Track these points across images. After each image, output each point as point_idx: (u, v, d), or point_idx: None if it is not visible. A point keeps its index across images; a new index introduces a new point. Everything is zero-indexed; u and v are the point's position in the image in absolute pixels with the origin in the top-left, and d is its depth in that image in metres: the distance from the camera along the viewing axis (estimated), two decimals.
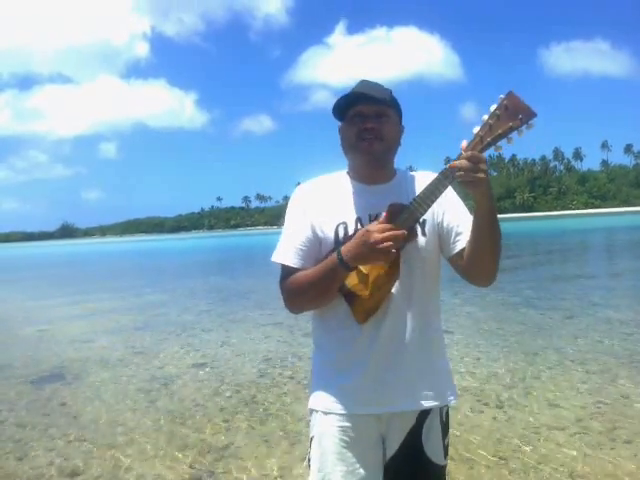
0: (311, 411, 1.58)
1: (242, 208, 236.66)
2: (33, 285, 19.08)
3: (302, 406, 4.24)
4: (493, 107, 1.30)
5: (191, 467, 3.35)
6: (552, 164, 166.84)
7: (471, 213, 1.45)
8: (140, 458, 3.51)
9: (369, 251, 1.32)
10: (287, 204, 1.61)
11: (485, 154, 1.30)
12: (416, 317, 1.50)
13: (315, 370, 1.62)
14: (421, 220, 1.45)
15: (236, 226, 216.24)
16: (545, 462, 3.16)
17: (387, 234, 1.32)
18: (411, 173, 1.60)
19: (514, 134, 1.30)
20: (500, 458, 3.25)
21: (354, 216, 1.51)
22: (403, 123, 1.57)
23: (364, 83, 1.53)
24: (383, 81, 1.55)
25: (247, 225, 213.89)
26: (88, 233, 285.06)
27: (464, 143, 1.31)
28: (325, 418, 1.53)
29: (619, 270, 13.59)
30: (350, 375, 1.50)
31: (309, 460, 1.56)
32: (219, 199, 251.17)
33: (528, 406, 4.11)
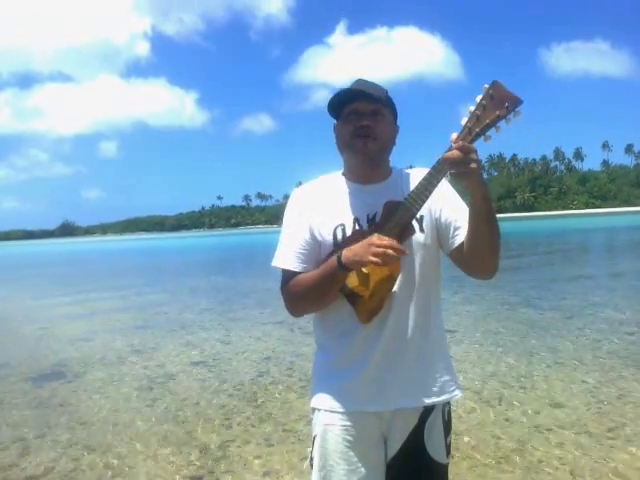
0: (313, 410, 1.59)
1: (242, 207, 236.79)
2: (33, 283, 19.07)
3: (303, 405, 4.24)
4: (479, 97, 1.29)
5: (191, 466, 3.35)
6: (553, 164, 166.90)
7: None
8: (140, 457, 3.52)
9: (365, 253, 1.33)
10: (287, 203, 1.61)
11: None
12: (418, 313, 1.51)
13: (317, 369, 1.62)
14: (418, 216, 1.45)
15: (237, 225, 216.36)
16: (545, 461, 3.16)
17: (387, 242, 1.32)
18: (406, 171, 1.59)
19: (502, 123, 1.30)
20: (500, 457, 3.25)
21: (351, 217, 1.51)
22: (398, 123, 1.58)
23: (360, 82, 1.53)
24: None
25: (248, 224, 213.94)
26: (89, 231, 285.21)
27: (454, 135, 1.30)
28: (327, 417, 1.53)
29: (619, 270, 13.58)
30: (352, 374, 1.50)
31: (311, 459, 1.56)
32: (220, 198, 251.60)
33: (528, 405, 4.11)
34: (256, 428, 3.93)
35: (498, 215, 1.39)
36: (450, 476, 1.62)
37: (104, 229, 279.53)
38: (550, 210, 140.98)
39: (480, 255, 1.43)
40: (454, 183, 1.44)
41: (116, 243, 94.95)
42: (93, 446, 3.73)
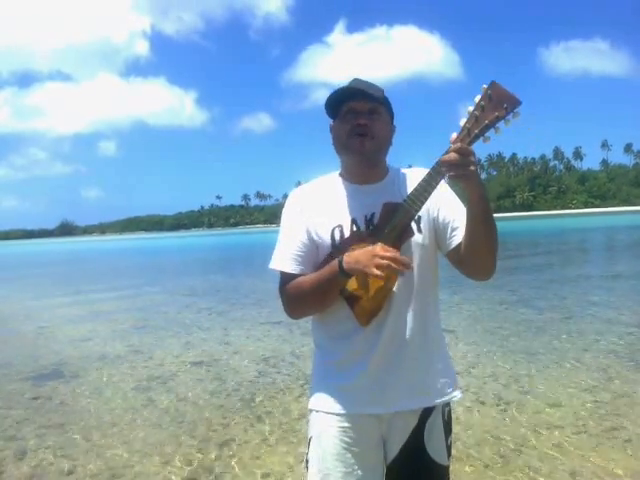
0: (311, 411, 1.58)
1: (242, 206, 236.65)
2: (33, 283, 19.07)
3: (301, 405, 4.24)
4: (477, 98, 1.29)
5: (190, 466, 3.35)
6: (552, 163, 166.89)
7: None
8: (138, 457, 3.51)
9: (368, 263, 1.32)
10: (285, 204, 1.61)
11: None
12: (417, 315, 1.50)
13: (315, 370, 1.61)
14: (416, 217, 1.45)
15: (236, 224, 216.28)
16: (545, 461, 3.16)
17: (390, 254, 1.31)
18: (403, 170, 1.59)
19: (501, 124, 1.29)
20: (499, 457, 3.25)
21: (349, 218, 1.50)
22: (395, 123, 1.57)
23: (357, 81, 1.52)
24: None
25: (247, 223, 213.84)
26: (87, 231, 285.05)
27: (453, 136, 1.30)
28: (325, 418, 1.52)
29: (618, 270, 13.58)
30: (351, 375, 1.49)
31: (307, 461, 1.55)
32: (219, 197, 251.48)
33: (527, 405, 4.11)
34: (255, 428, 3.93)
35: (497, 214, 1.39)
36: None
37: (103, 228, 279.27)
38: (549, 209, 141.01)
39: (477, 256, 1.43)
40: (452, 183, 1.43)
41: (115, 242, 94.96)
42: (91, 446, 3.73)
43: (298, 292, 1.49)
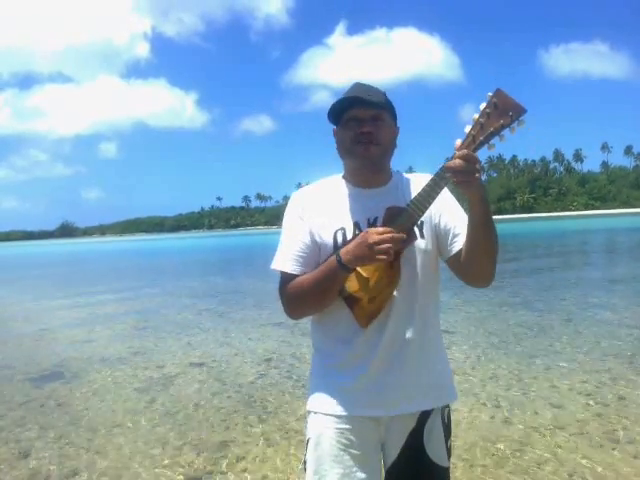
0: (309, 412, 1.57)
1: (242, 208, 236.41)
2: (33, 284, 19.07)
3: (302, 405, 4.24)
4: (483, 105, 1.30)
5: (190, 467, 3.35)
6: (552, 165, 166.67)
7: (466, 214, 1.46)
8: (139, 458, 3.51)
9: (368, 251, 1.33)
10: (287, 204, 1.60)
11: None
12: (417, 319, 1.50)
13: (314, 372, 1.61)
14: (419, 222, 1.45)
15: (236, 226, 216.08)
16: (545, 463, 3.16)
17: (386, 235, 1.32)
18: (406, 175, 1.60)
19: (506, 131, 1.30)
20: (500, 458, 3.25)
21: (352, 221, 1.50)
22: (398, 124, 1.57)
23: (358, 86, 1.52)
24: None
25: (247, 225, 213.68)
26: (88, 232, 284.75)
27: (458, 142, 1.31)
28: (323, 420, 1.51)
29: (619, 272, 13.58)
30: (351, 377, 1.49)
31: (305, 463, 1.54)
32: (219, 199, 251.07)
33: (527, 406, 4.11)
34: (255, 429, 3.93)
35: (497, 216, 1.40)
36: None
37: (103, 230, 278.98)
38: (549, 211, 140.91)
39: (477, 260, 1.43)
40: (453, 187, 1.44)
41: (116, 244, 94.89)
42: (92, 447, 3.73)
43: (298, 291, 1.49)
